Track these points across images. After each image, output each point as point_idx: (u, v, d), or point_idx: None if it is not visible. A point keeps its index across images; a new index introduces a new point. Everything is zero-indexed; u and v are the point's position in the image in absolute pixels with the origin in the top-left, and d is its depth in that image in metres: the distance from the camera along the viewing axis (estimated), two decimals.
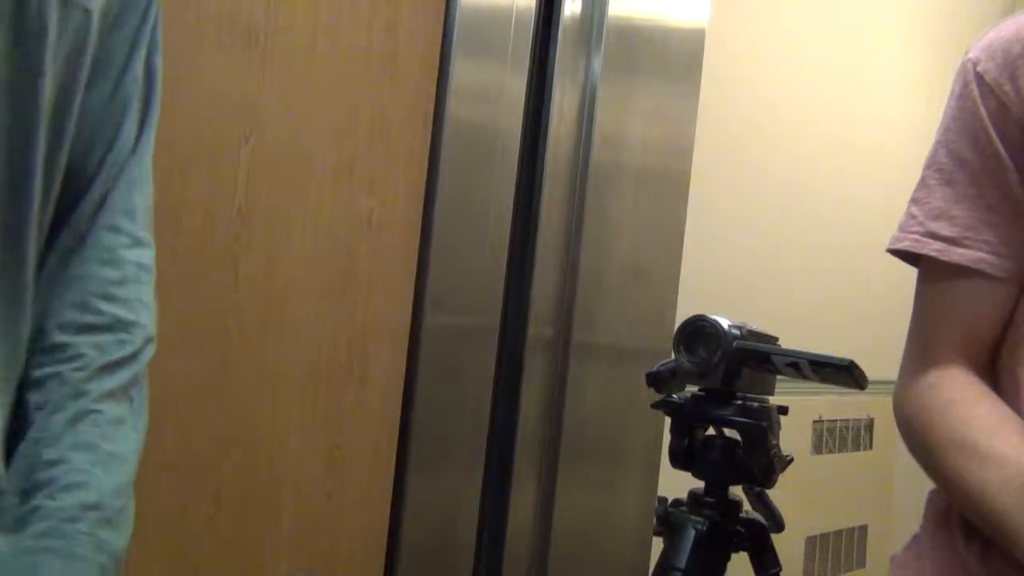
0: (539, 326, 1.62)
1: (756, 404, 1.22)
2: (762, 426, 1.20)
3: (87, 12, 0.67)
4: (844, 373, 1.12)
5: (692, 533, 1.20)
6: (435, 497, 1.51)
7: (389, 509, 1.45)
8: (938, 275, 0.84)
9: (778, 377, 1.26)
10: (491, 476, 1.58)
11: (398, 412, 1.45)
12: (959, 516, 0.81)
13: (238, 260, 1.27)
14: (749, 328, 1.23)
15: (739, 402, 1.22)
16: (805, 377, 1.15)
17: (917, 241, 0.84)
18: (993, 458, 0.74)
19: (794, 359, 1.15)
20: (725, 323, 1.21)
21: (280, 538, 1.32)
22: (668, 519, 1.25)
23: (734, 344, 1.19)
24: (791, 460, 1.25)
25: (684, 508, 1.25)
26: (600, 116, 1.63)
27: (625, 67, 1.70)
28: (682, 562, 1.18)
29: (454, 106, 1.48)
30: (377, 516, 1.43)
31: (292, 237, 1.33)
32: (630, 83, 1.72)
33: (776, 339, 1.28)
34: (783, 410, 1.25)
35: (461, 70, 1.48)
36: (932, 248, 0.83)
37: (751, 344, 1.20)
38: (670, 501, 1.29)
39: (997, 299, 0.83)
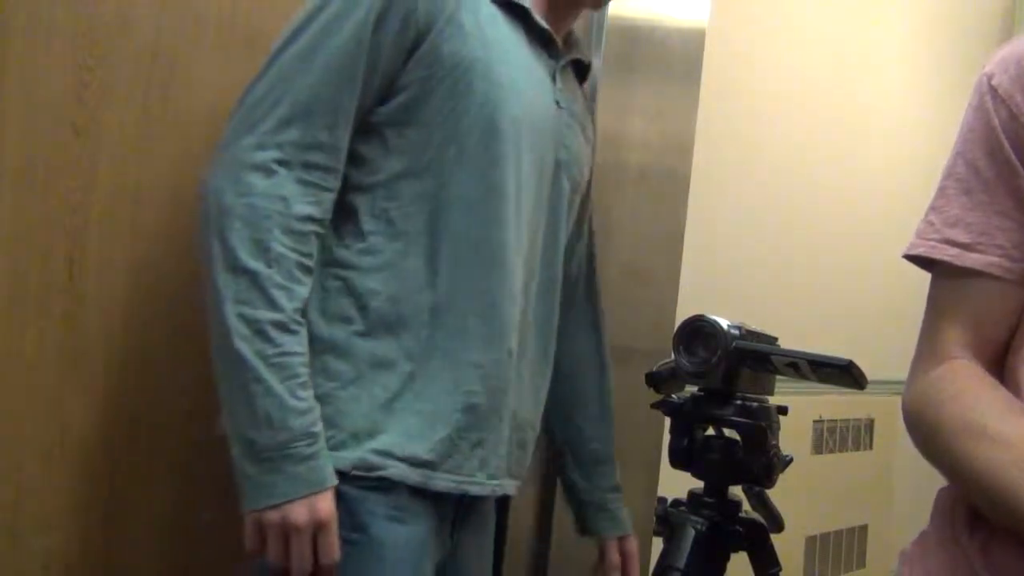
0: None
1: (756, 404, 1.22)
2: (762, 426, 1.20)
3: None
4: (843, 373, 1.12)
5: (692, 533, 1.20)
6: None
7: None
8: (951, 278, 0.87)
9: (778, 377, 1.26)
10: None
11: None
12: (964, 512, 0.82)
13: None
14: (749, 328, 1.23)
15: (739, 402, 1.22)
16: (805, 377, 1.16)
17: (933, 247, 0.87)
18: (1000, 439, 0.76)
19: (794, 359, 1.15)
20: (725, 323, 1.21)
21: None
22: (668, 519, 1.25)
23: (734, 344, 1.19)
24: (791, 460, 1.26)
25: (684, 508, 1.26)
26: (600, 116, 1.63)
27: (625, 67, 1.70)
28: (682, 562, 1.19)
29: None
30: None
31: None
32: (630, 83, 1.72)
33: (776, 339, 1.28)
34: (783, 410, 1.25)
35: None
36: (947, 254, 0.86)
37: (751, 344, 1.20)
38: (670, 501, 1.29)
39: (1008, 301, 0.85)
